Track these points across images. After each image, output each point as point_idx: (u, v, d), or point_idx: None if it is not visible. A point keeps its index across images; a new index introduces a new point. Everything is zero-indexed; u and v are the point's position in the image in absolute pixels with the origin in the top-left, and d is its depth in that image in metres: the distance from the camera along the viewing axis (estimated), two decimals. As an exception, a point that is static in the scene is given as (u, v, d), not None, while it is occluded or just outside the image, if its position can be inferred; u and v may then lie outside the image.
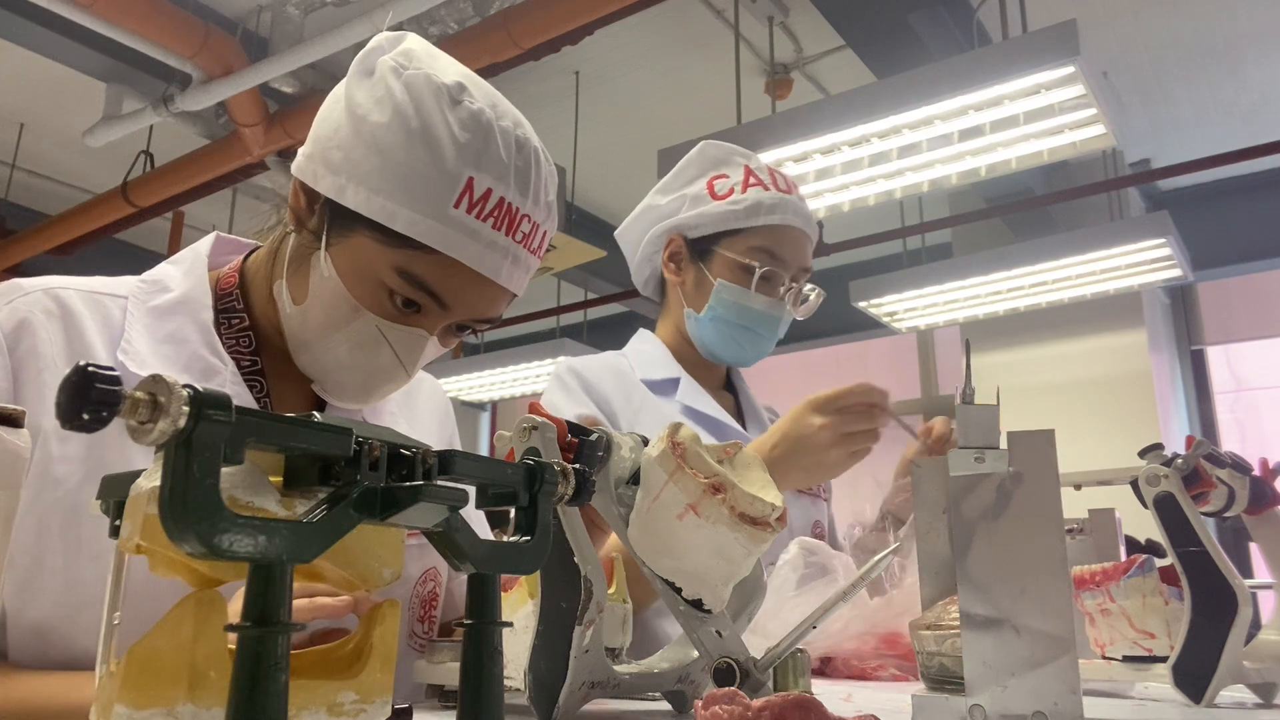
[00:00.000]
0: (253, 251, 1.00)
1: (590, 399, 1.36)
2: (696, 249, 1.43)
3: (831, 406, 1.17)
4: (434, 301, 0.87)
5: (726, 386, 1.56)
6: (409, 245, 0.84)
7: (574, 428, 0.66)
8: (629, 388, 1.41)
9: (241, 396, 0.90)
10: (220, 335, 0.92)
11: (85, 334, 0.86)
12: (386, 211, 0.83)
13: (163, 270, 0.95)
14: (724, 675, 0.65)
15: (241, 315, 0.95)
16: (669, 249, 1.45)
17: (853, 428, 1.16)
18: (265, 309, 0.95)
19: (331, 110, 0.90)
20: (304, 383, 0.95)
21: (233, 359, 0.91)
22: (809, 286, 1.45)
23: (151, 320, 0.89)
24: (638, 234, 1.51)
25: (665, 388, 1.43)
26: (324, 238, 0.87)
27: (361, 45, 0.92)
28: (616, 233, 1.57)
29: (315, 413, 0.40)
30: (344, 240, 0.87)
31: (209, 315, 0.92)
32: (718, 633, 0.68)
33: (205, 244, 0.99)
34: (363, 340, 0.88)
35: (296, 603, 0.70)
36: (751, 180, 1.41)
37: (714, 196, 1.42)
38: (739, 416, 1.53)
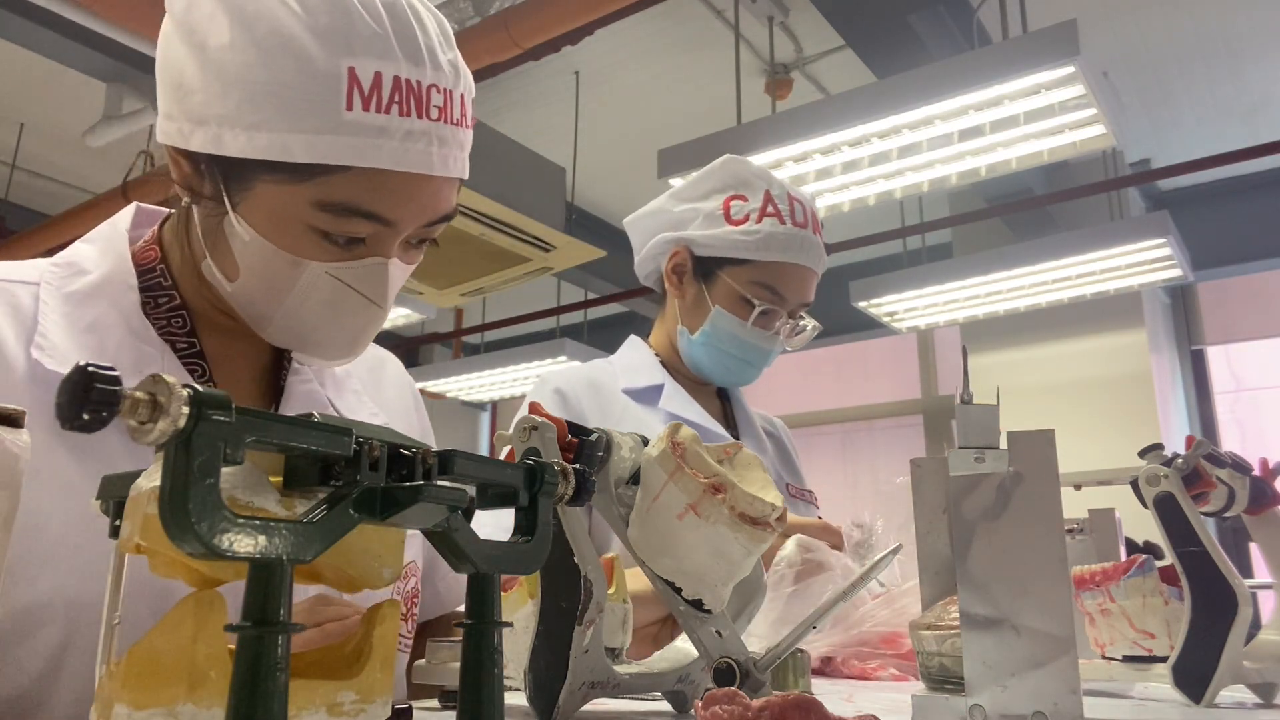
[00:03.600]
0: (167, 219, 0.88)
1: (567, 415, 1.35)
2: (701, 267, 1.41)
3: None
4: (373, 223, 0.75)
5: (719, 392, 1.56)
6: (318, 173, 0.72)
7: (574, 428, 0.66)
8: (607, 401, 1.40)
9: None
10: (150, 318, 0.81)
11: None
12: (276, 145, 0.71)
13: (77, 250, 0.84)
14: (724, 675, 0.65)
15: (170, 293, 0.83)
16: (674, 260, 1.44)
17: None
18: (192, 282, 0.83)
19: (167, 52, 0.77)
20: (250, 358, 0.86)
21: (167, 343, 0.80)
22: (806, 322, 1.44)
23: (70, 308, 0.78)
24: (647, 231, 1.50)
25: (649, 395, 1.42)
26: (226, 200, 0.75)
27: None
28: (626, 220, 1.55)
29: (303, 408, 0.39)
30: (248, 194, 0.75)
31: (135, 297, 0.81)
32: (717, 633, 0.68)
33: (124, 217, 0.88)
34: (320, 293, 0.78)
35: (307, 634, 0.65)
36: (770, 209, 1.38)
37: (728, 219, 1.39)
38: (730, 423, 1.53)
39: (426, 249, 0.86)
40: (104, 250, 0.84)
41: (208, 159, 0.75)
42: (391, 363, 1.09)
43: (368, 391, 0.99)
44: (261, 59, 0.71)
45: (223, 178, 0.75)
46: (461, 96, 0.78)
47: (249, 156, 0.72)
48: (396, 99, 0.72)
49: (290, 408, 0.86)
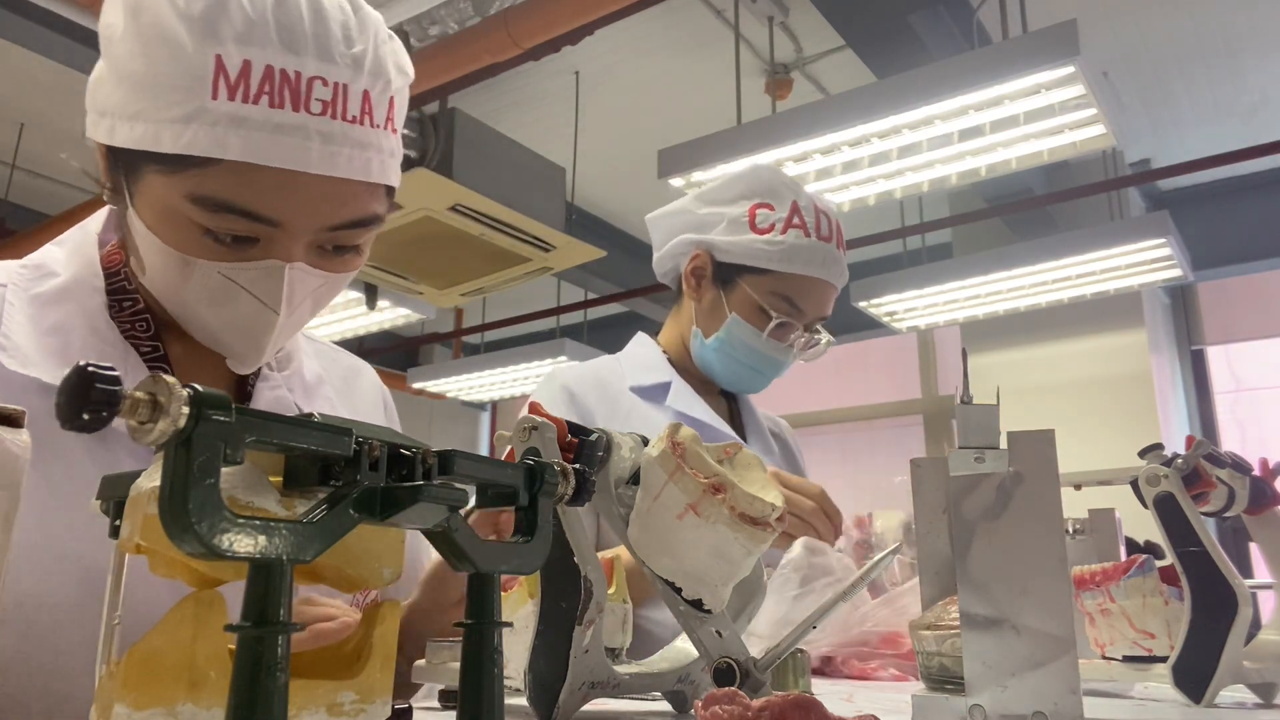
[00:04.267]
0: None
1: (575, 413, 1.35)
2: (721, 273, 1.41)
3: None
4: (252, 221, 0.71)
5: (724, 391, 1.56)
6: (189, 165, 0.69)
7: (574, 428, 0.66)
8: (615, 398, 1.40)
9: None
10: (115, 320, 0.80)
11: None
12: (150, 135, 0.69)
13: (46, 253, 0.83)
14: (724, 675, 0.65)
15: (134, 296, 0.82)
16: (694, 262, 1.43)
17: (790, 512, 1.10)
18: (148, 296, 0.83)
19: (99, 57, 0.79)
20: (215, 362, 0.83)
21: (131, 346, 0.79)
22: (821, 337, 1.43)
23: (35, 310, 0.78)
24: (670, 230, 1.49)
25: (656, 393, 1.42)
26: (126, 193, 0.75)
27: None
28: (649, 217, 1.54)
29: (290, 407, 0.39)
30: (140, 187, 0.73)
31: (101, 300, 0.80)
32: (717, 633, 0.68)
33: (96, 220, 0.87)
34: (214, 293, 0.75)
35: (298, 636, 0.64)
36: (796, 220, 1.37)
37: (753, 226, 1.38)
38: (737, 422, 1.53)
39: (365, 256, 0.81)
40: (72, 253, 0.83)
41: (109, 151, 0.75)
42: (366, 372, 1.09)
43: (340, 399, 0.98)
44: (142, 49, 0.70)
45: (123, 171, 0.75)
46: (365, 93, 0.73)
47: (131, 146, 0.71)
48: (267, 89, 0.69)
49: None
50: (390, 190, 0.80)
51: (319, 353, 1.03)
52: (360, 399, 1.04)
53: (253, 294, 0.75)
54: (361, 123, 0.73)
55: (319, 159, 0.70)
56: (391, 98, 0.76)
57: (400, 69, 0.79)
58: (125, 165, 0.74)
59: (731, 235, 1.39)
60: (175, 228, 0.73)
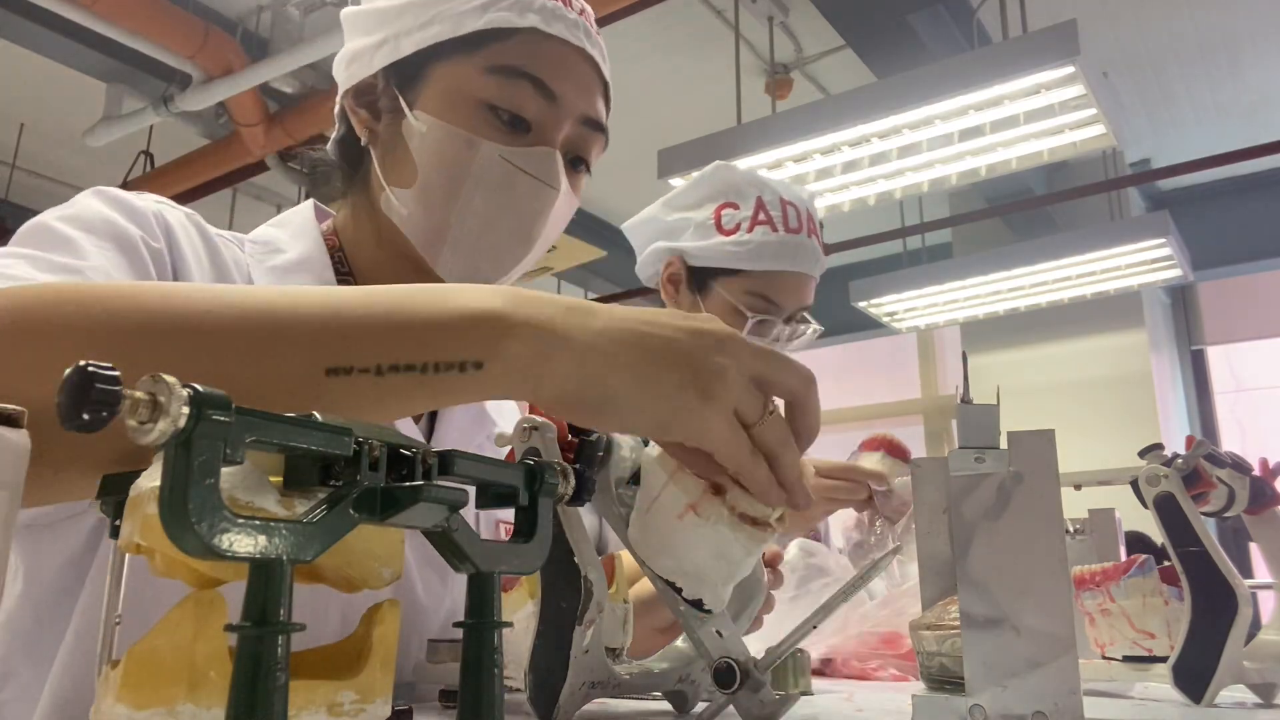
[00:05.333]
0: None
1: None
2: (695, 278, 1.40)
3: (820, 473, 1.21)
4: (538, 91, 0.83)
5: None
6: (486, 40, 0.82)
7: (574, 428, 0.66)
8: None
9: None
10: None
11: (225, 266, 0.81)
12: (449, 27, 0.82)
13: (267, 232, 0.90)
14: (724, 675, 0.65)
15: (349, 278, 0.89)
16: (669, 270, 1.42)
17: (835, 496, 1.20)
18: (365, 268, 0.90)
19: (357, 12, 0.91)
20: None
21: None
22: (805, 326, 1.42)
23: (273, 279, 0.84)
24: (644, 238, 1.49)
25: None
26: (402, 103, 0.84)
27: None
28: (625, 226, 1.54)
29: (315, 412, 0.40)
30: (424, 86, 0.84)
31: (332, 276, 0.87)
32: (718, 632, 0.68)
33: (307, 208, 0.94)
34: (493, 176, 0.83)
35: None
36: (761, 216, 1.36)
37: (720, 228, 1.37)
38: None
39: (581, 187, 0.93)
40: (296, 233, 0.90)
41: (384, 73, 0.86)
42: None
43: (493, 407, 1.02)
44: None
45: (398, 85, 0.85)
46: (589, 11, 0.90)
47: (425, 45, 0.83)
48: None
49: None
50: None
51: None
52: (506, 405, 1.07)
53: (530, 173, 0.84)
54: (590, 22, 0.89)
55: (582, 38, 0.86)
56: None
57: None
58: (405, 75, 0.85)
59: (700, 240, 1.38)
60: (464, 110, 0.83)
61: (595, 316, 0.54)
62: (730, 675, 0.63)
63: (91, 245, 0.71)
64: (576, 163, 0.90)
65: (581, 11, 0.89)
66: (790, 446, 0.57)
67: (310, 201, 0.95)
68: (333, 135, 0.94)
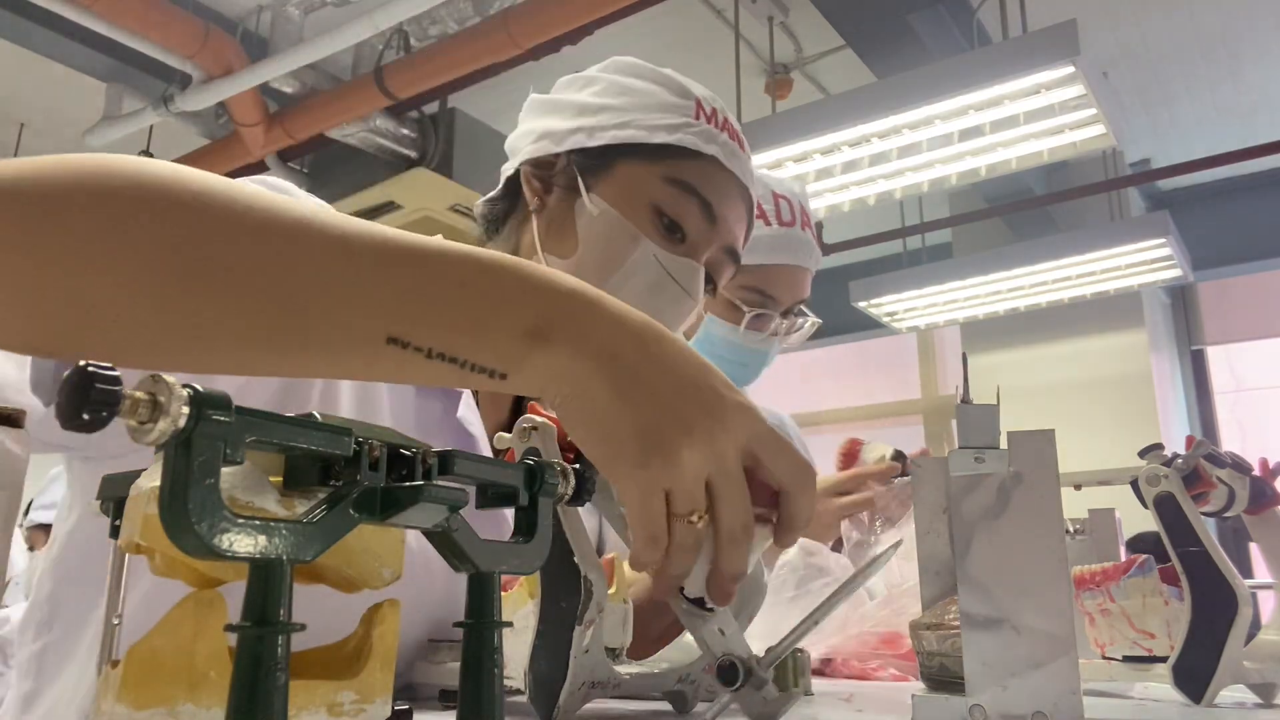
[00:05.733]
0: None
1: None
2: None
3: (830, 492, 1.28)
4: (703, 210, 0.92)
5: None
6: (669, 154, 0.91)
7: (574, 428, 0.66)
8: None
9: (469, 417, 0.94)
10: None
11: None
12: (643, 134, 0.91)
13: None
14: (727, 673, 0.64)
15: None
16: None
17: (851, 511, 1.24)
18: None
19: (558, 96, 1.03)
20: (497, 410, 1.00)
21: None
22: (803, 319, 1.42)
23: None
24: None
25: None
26: (581, 185, 0.93)
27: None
28: None
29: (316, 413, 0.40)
30: (602, 177, 0.93)
31: None
32: (720, 631, 0.68)
33: None
34: (645, 273, 0.91)
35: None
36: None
37: None
38: None
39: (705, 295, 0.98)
40: None
41: (569, 155, 0.95)
42: None
43: None
44: (627, 89, 0.97)
45: (580, 168, 0.94)
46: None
47: (616, 142, 0.93)
48: (726, 126, 0.96)
49: None
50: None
51: None
52: None
53: (676, 280, 0.91)
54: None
55: (746, 175, 0.97)
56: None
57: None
58: (590, 163, 0.94)
59: None
60: (635, 207, 0.91)
61: (645, 361, 0.53)
62: (733, 673, 0.63)
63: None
64: (708, 281, 0.97)
65: (749, 156, 1.00)
66: (686, 561, 0.54)
67: None
68: (490, 194, 1.02)
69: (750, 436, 0.53)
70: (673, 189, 0.91)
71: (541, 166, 0.97)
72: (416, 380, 0.51)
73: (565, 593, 0.62)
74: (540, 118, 1.01)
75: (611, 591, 0.75)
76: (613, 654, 0.72)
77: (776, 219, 1.37)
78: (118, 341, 0.45)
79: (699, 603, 0.68)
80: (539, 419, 0.63)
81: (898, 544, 0.81)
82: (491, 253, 0.53)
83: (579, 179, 0.93)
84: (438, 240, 0.52)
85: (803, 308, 1.42)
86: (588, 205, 0.92)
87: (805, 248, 1.39)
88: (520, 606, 0.68)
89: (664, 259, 0.91)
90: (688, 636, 0.69)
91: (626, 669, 0.68)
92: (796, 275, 1.39)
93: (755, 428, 0.54)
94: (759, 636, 0.85)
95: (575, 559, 0.62)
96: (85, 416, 0.31)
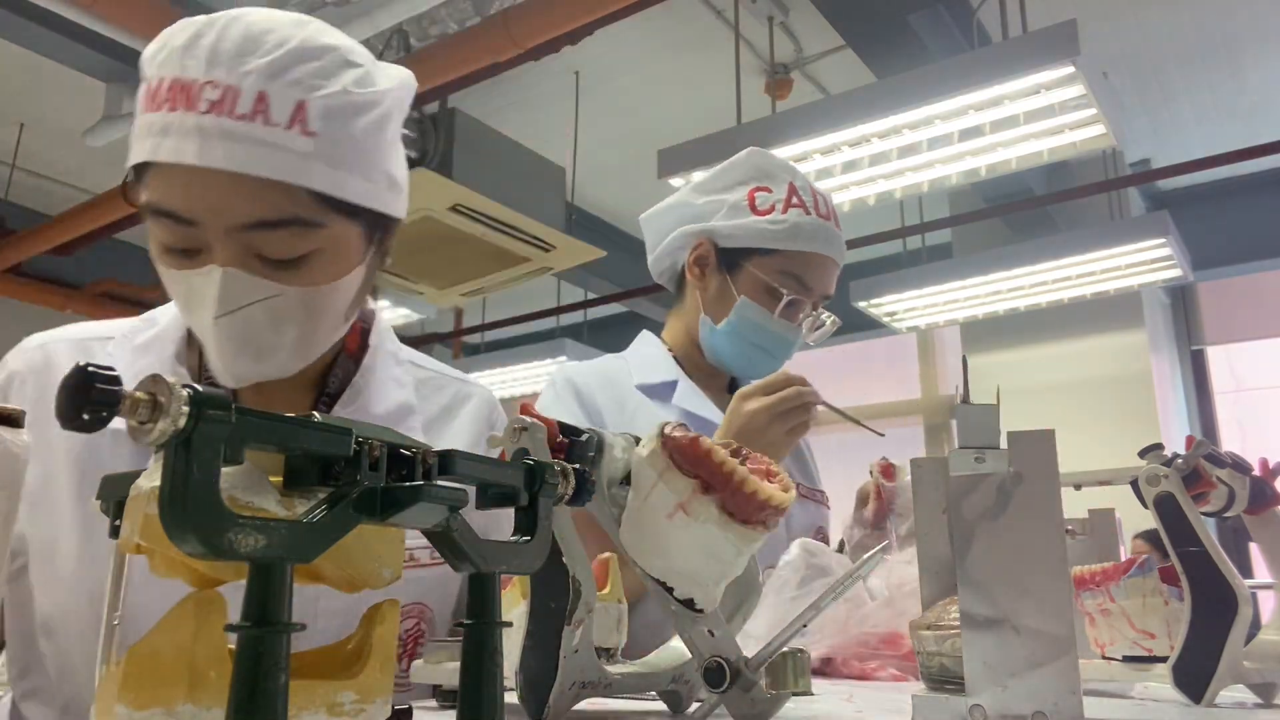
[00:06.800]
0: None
1: (582, 409, 1.35)
2: (726, 259, 1.41)
3: (759, 391, 1.25)
4: (174, 222, 0.78)
5: (730, 389, 1.55)
6: (139, 176, 0.80)
7: (565, 428, 0.66)
8: (622, 396, 1.40)
9: None
10: (186, 367, 0.90)
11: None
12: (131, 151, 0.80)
13: (160, 308, 0.96)
14: (714, 674, 0.64)
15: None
16: (697, 251, 1.43)
17: (783, 408, 1.24)
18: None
19: None
20: (283, 401, 0.91)
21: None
22: (826, 315, 1.44)
23: (131, 358, 0.88)
24: (665, 226, 1.49)
25: (662, 391, 1.42)
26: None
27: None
28: (642, 217, 1.54)
29: (314, 413, 0.40)
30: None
31: (174, 348, 0.91)
32: (710, 632, 0.68)
33: None
34: (185, 301, 0.82)
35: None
36: (794, 200, 1.39)
37: (754, 209, 1.39)
38: None
39: (303, 271, 0.82)
40: (170, 306, 0.92)
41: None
42: (473, 400, 1.07)
43: (430, 432, 0.98)
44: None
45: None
46: (261, 93, 0.76)
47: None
48: (168, 98, 0.77)
49: None
50: (327, 198, 0.80)
51: (425, 383, 1.03)
52: (454, 431, 1.02)
53: (201, 295, 0.79)
54: (254, 119, 0.76)
55: (198, 151, 0.75)
56: (303, 101, 0.77)
57: (323, 73, 0.79)
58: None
59: (733, 220, 1.40)
60: (153, 243, 0.81)
61: None
62: (720, 674, 0.63)
63: None
64: (283, 263, 0.83)
65: (216, 105, 0.77)
66: None
67: None
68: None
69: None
70: (152, 218, 0.80)
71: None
72: None
73: (555, 593, 0.62)
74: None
75: (605, 592, 0.75)
76: (606, 654, 0.72)
77: (815, 210, 1.40)
78: None
79: (689, 604, 0.68)
80: (529, 419, 0.63)
81: (885, 546, 0.81)
82: None
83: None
84: None
85: (823, 307, 1.44)
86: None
87: (839, 243, 1.42)
88: (514, 607, 0.68)
89: (184, 278, 0.81)
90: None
91: (619, 669, 0.68)
92: (829, 267, 1.42)
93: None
94: (759, 636, 0.85)
95: (564, 559, 0.62)
96: (85, 416, 0.31)
